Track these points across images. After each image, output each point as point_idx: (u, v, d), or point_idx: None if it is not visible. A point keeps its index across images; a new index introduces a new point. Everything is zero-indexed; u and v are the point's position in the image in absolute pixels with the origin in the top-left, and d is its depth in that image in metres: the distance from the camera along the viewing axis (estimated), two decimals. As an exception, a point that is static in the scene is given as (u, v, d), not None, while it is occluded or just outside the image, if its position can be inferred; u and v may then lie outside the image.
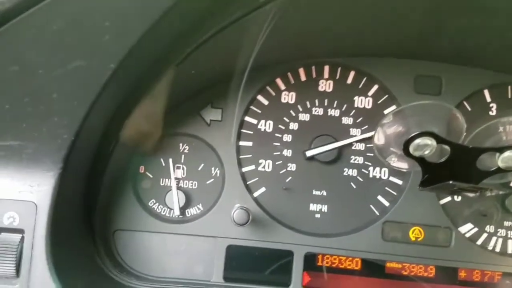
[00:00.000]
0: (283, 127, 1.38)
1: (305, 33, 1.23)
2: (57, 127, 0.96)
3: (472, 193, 1.17)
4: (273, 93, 1.39)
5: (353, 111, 1.38)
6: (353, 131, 1.38)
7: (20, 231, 1.04)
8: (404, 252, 1.36)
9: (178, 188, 1.37)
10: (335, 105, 1.38)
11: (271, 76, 1.38)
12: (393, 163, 1.30)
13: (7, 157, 1.00)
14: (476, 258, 1.36)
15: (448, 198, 1.38)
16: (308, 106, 1.38)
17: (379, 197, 1.39)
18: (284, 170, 1.38)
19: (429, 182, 1.14)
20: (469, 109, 1.38)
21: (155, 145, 1.37)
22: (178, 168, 1.38)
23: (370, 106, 1.39)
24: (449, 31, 1.20)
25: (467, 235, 1.38)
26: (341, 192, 1.38)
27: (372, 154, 1.37)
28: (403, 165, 1.30)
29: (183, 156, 1.39)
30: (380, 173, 1.39)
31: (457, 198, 1.38)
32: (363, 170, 1.38)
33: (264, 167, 1.38)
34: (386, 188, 1.39)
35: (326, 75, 1.39)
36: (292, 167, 1.38)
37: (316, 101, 1.38)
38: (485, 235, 1.38)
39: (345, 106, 1.38)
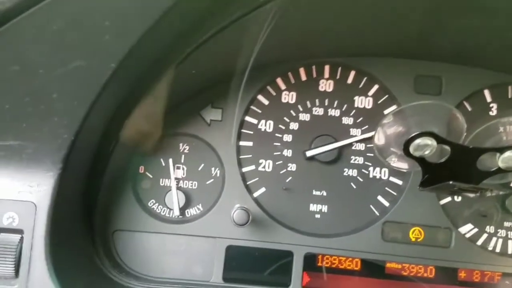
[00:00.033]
0: (283, 127, 1.38)
1: (305, 33, 1.22)
2: (57, 127, 0.96)
3: (472, 194, 1.17)
4: (274, 93, 1.39)
5: (353, 111, 1.38)
6: (353, 131, 1.38)
7: (19, 231, 1.04)
8: (404, 253, 1.36)
9: (178, 188, 1.37)
10: (335, 105, 1.38)
11: (272, 75, 1.38)
12: (393, 163, 1.30)
13: (7, 157, 1.00)
14: (476, 259, 1.36)
15: (448, 199, 1.38)
16: (309, 106, 1.38)
17: (379, 197, 1.38)
18: (284, 170, 1.38)
19: (429, 182, 1.14)
20: (469, 109, 1.38)
21: (155, 145, 1.37)
22: (178, 168, 1.38)
23: (370, 106, 1.39)
24: (449, 31, 1.20)
25: (467, 235, 1.38)
26: (341, 192, 1.38)
27: (372, 154, 1.37)
28: (403, 165, 1.30)
29: (183, 156, 1.38)
30: (380, 173, 1.39)
31: (457, 199, 1.38)
32: (363, 170, 1.38)
33: (264, 167, 1.38)
34: (386, 188, 1.39)
35: (326, 75, 1.39)
36: (292, 167, 1.38)
37: (317, 101, 1.38)
38: (485, 236, 1.38)
39: (345, 106, 1.38)
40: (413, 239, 1.36)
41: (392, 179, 1.38)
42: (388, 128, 1.26)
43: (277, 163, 1.38)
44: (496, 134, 1.25)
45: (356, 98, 1.39)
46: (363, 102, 1.38)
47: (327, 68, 1.39)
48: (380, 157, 1.29)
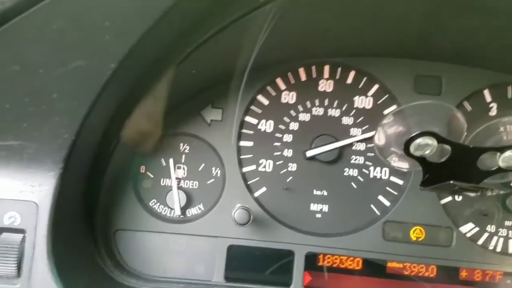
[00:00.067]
0: (283, 127, 1.38)
1: (305, 33, 1.23)
2: (57, 127, 0.96)
3: (473, 193, 1.17)
4: (274, 93, 1.39)
5: (354, 111, 1.38)
6: (353, 131, 1.38)
7: (21, 231, 1.04)
8: (405, 252, 1.36)
9: (179, 188, 1.37)
10: (335, 105, 1.38)
11: (272, 76, 1.38)
12: (393, 163, 1.30)
13: (8, 157, 1.01)
14: (477, 258, 1.36)
15: (449, 198, 1.38)
16: (309, 106, 1.38)
17: (380, 197, 1.38)
18: (285, 170, 1.38)
19: (430, 182, 1.14)
20: (470, 109, 1.38)
21: (156, 145, 1.37)
22: (179, 168, 1.38)
23: (370, 106, 1.39)
24: (449, 31, 1.20)
25: (468, 235, 1.38)
26: (341, 192, 1.38)
27: (372, 154, 1.38)
28: (403, 165, 1.30)
29: (183, 156, 1.39)
30: (381, 173, 1.39)
31: (458, 198, 1.38)
32: (363, 170, 1.38)
33: (264, 167, 1.38)
34: (387, 188, 1.39)
35: (326, 75, 1.39)
36: (292, 167, 1.38)
37: (317, 101, 1.38)
38: (486, 235, 1.38)
39: (345, 106, 1.38)
40: (414, 239, 1.36)
41: (392, 178, 1.38)
42: (388, 128, 1.27)
43: (277, 163, 1.38)
44: (497, 133, 1.25)
45: (356, 98, 1.39)
46: (363, 102, 1.38)
47: (327, 68, 1.39)
48: (381, 156, 1.29)
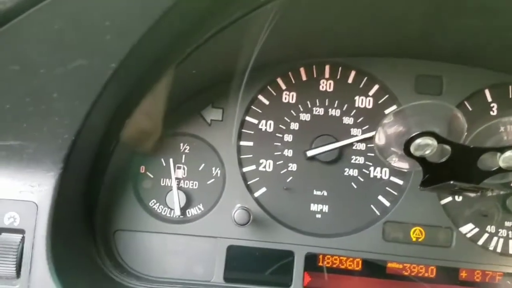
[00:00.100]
0: (284, 127, 1.38)
1: (305, 33, 1.23)
2: (57, 127, 0.96)
3: (473, 193, 1.17)
4: (274, 93, 1.39)
5: (354, 111, 1.38)
6: (353, 131, 1.38)
7: (20, 231, 1.04)
8: (405, 252, 1.36)
9: (179, 188, 1.37)
10: (336, 105, 1.38)
11: (272, 75, 1.38)
12: (394, 163, 1.30)
13: (8, 157, 1.00)
14: (477, 259, 1.36)
15: (449, 198, 1.38)
16: (309, 106, 1.38)
17: (380, 197, 1.38)
18: (285, 170, 1.38)
19: (430, 182, 1.14)
20: (470, 109, 1.38)
21: (156, 145, 1.37)
22: (179, 168, 1.38)
23: (370, 106, 1.39)
24: (449, 31, 1.20)
25: (468, 235, 1.38)
26: (342, 192, 1.38)
27: (372, 154, 1.37)
28: (404, 165, 1.30)
29: (183, 156, 1.39)
30: (381, 173, 1.39)
31: (458, 198, 1.38)
32: (364, 170, 1.38)
33: (265, 167, 1.38)
34: (387, 188, 1.39)
35: (327, 74, 1.39)
36: (293, 167, 1.38)
37: (317, 101, 1.38)
38: (486, 236, 1.38)
39: (345, 106, 1.38)
40: (414, 239, 1.36)
41: (392, 179, 1.38)
42: (388, 128, 1.26)
43: (277, 163, 1.38)
44: (497, 133, 1.25)
45: (356, 98, 1.39)
46: (364, 102, 1.38)
47: (327, 68, 1.39)
48: (381, 157, 1.29)
